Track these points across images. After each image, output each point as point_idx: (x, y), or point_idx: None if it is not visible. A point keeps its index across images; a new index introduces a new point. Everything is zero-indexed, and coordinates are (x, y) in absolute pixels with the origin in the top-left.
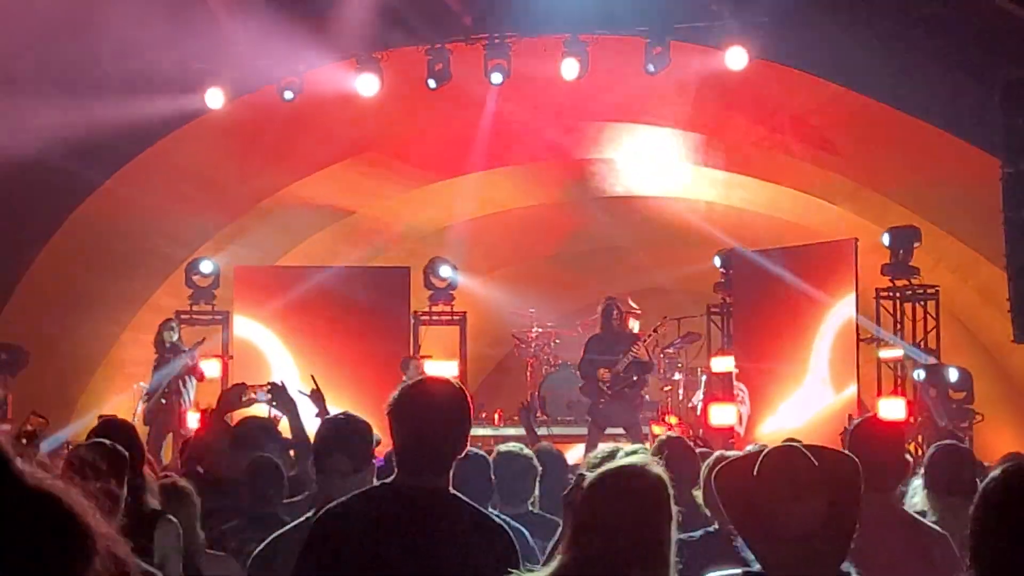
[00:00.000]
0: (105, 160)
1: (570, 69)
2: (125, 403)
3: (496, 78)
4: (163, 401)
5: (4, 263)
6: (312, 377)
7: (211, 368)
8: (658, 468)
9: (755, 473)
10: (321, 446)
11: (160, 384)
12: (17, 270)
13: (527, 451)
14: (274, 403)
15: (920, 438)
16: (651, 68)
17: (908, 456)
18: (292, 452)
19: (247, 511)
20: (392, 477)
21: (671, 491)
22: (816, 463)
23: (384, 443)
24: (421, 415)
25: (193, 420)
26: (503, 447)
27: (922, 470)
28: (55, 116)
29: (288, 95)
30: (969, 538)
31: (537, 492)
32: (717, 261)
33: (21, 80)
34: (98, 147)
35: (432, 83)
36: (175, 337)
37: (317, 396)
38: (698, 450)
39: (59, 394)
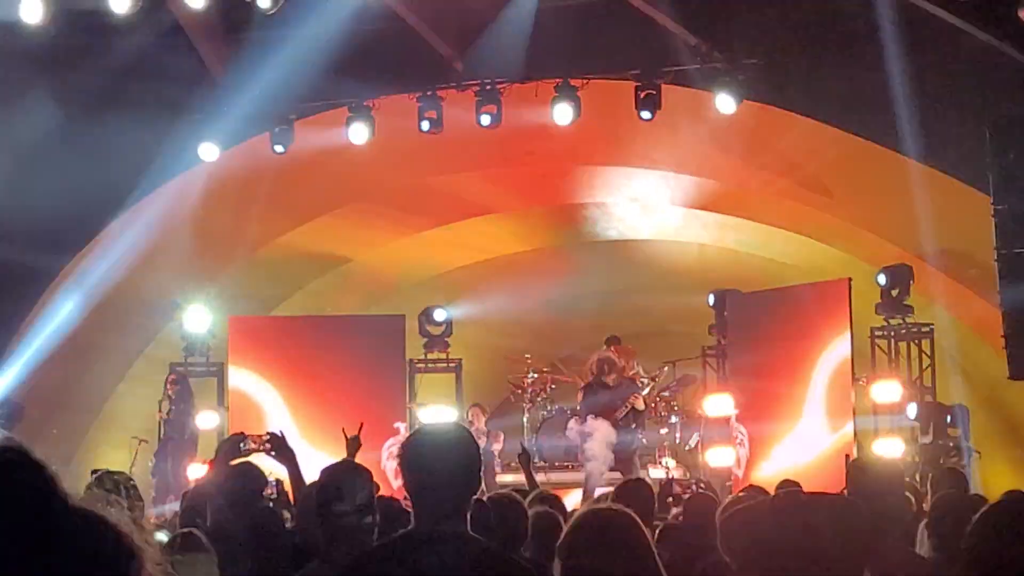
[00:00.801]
0: (99, 211)
1: (563, 115)
2: (122, 456)
3: (487, 123)
4: (167, 455)
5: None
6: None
7: (207, 420)
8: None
9: (764, 520)
10: (324, 494)
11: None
12: (15, 321)
13: (519, 497)
14: (273, 453)
15: (918, 476)
16: (643, 113)
17: (909, 496)
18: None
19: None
20: (411, 526)
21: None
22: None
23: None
24: (431, 460)
25: (195, 471)
26: (494, 493)
27: (925, 520)
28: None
29: (279, 148)
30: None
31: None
32: (711, 299)
33: None
34: (92, 198)
35: (425, 126)
36: (182, 391)
37: (355, 443)
38: (699, 492)
39: (56, 448)
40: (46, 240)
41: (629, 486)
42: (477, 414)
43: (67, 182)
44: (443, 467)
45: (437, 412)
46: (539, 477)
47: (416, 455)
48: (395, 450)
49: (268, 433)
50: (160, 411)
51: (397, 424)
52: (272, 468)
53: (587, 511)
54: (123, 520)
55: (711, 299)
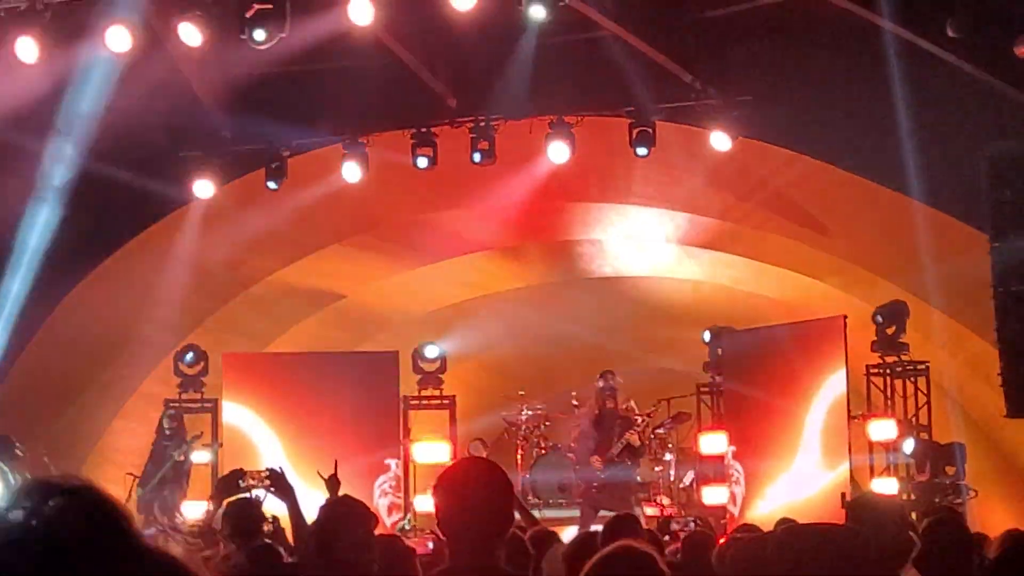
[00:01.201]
0: (95, 247)
1: (559, 152)
2: (116, 492)
3: (481, 160)
4: (163, 492)
5: None
6: (335, 463)
7: (201, 456)
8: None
9: (768, 552)
10: (323, 531)
11: (155, 473)
12: (8, 356)
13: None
14: (272, 489)
15: (914, 515)
16: (638, 150)
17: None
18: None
19: None
20: (448, 563)
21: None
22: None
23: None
24: (466, 495)
25: (193, 510)
26: None
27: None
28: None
29: (272, 185)
30: None
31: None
32: (706, 336)
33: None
34: (88, 234)
35: (421, 162)
36: (175, 426)
37: (334, 482)
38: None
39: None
40: (44, 274)
41: (620, 520)
42: (479, 449)
43: (63, 217)
44: (478, 502)
45: (431, 448)
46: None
47: (451, 490)
48: (388, 487)
49: (267, 469)
50: (152, 446)
51: (388, 461)
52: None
53: (618, 548)
54: (194, 561)
55: (706, 336)
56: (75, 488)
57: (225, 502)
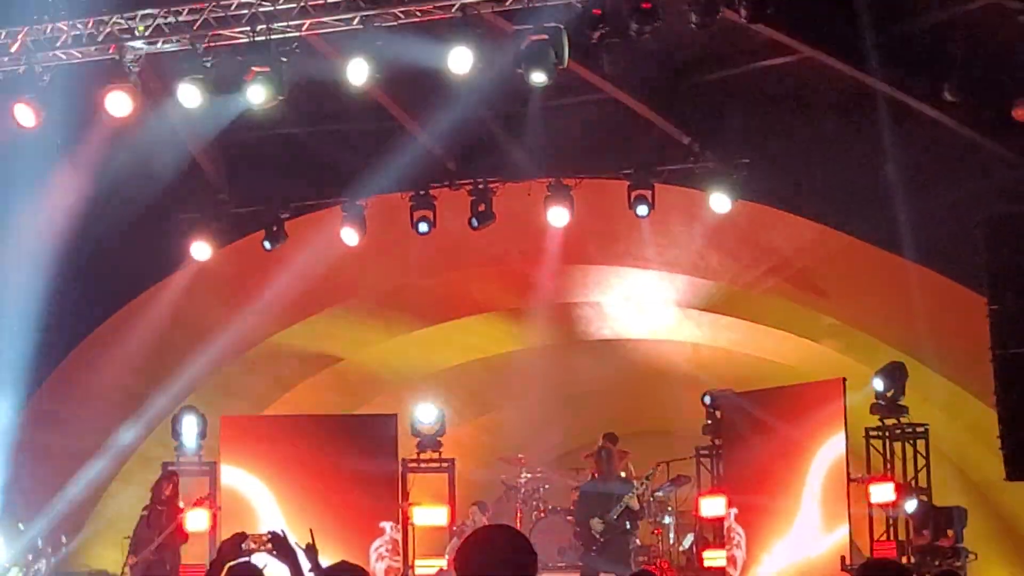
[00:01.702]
0: (93, 309)
1: (558, 215)
2: (114, 555)
3: (480, 223)
4: (156, 558)
5: None
6: (310, 531)
7: (199, 519)
8: None
9: None
10: None
11: (147, 538)
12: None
13: None
14: (275, 553)
15: None
16: (637, 211)
17: None
18: None
19: None
20: None
21: None
22: None
23: None
24: (487, 563)
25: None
26: None
27: None
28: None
29: (267, 244)
30: None
31: None
32: (707, 400)
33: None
34: (86, 296)
35: (423, 227)
36: (169, 491)
37: (311, 551)
38: None
39: (46, 547)
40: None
41: None
42: (478, 512)
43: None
44: (498, 570)
45: (430, 512)
46: None
47: (472, 558)
48: (384, 551)
49: (269, 532)
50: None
51: (382, 524)
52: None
53: None
54: None
55: (706, 399)
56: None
57: (227, 566)
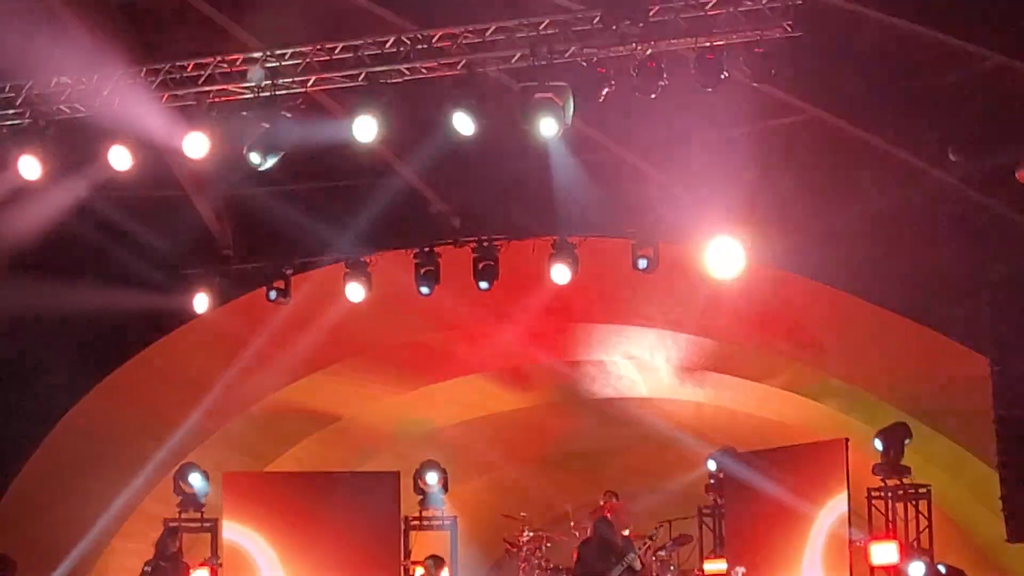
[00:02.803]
0: (96, 364)
1: (561, 274)
2: None
3: (485, 281)
4: None
5: None
6: None
7: None
8: None
9: None
10: None
11: None
12: (7, 475)
13: None
14: None
15: None
16: (640, 265)
17: None
18: None
19: None
20: None
21: None
22: None
23: None
24: None
25: None
26: None
27: None
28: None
29: (272, 295)
30: None
31: None
32: (711, 465)
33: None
34: (88, 351)
35: (424, 289)
36: (176, 547)
37: None
38: None
39: None
40: (46, 390)
41: None
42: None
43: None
44: None
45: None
46: None
47: None
48: None
49: None
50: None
51: None
52: None
53: None
54: None
55: (710, 464)
56: None
57: None
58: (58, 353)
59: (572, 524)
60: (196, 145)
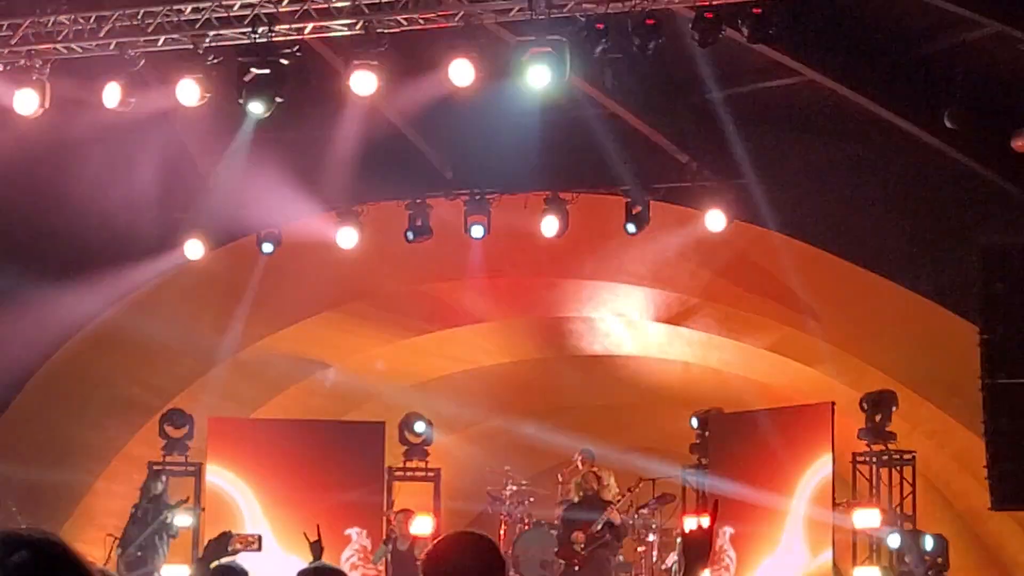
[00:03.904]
0: (83, 307)
1: (550, 226)
2: (97, 553)
3: (476, 233)
4: (139, 554)
5: None
6: (317, 527)
7: (183, 519)
8: None
9: None
10: None
11: (136, 537)
12: None
13: None
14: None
15: None
16: (631, 228)
17: None
18: None
19: None
20: None
21: None
22: None
23: None
24: (455, 568)
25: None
26: None
27: None
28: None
29: (267, 247)
30: None
31: None
32: (694, 422)
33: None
34: (77, 294)
35: (411, 235)
36: (160, 489)
37: (317, 547)
38: None
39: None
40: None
41: None
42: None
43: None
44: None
45: (415, 521)
46: None
47: (440, 563)
48: (356, 560)
49: (258, 535)
50: (133, 508)
51: (348, 531)
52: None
53: None
54: None
55: (694, 422)
56: (39, 541)
57: (212, 565)
58: (47, 291)
59: (559, 479)
60: (190, 89)
